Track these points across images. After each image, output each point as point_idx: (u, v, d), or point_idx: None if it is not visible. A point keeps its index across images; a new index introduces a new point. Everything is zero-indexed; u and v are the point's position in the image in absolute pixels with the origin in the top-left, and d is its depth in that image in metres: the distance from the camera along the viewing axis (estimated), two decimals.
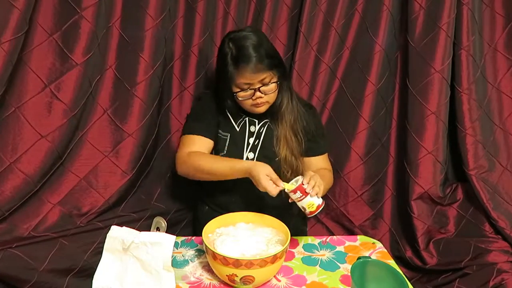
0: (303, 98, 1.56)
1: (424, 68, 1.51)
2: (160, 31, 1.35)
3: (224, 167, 1.27)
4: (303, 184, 1.16)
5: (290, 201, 1.21)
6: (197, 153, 1.33)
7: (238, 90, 1.28)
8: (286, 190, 1.19)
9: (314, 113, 1.50)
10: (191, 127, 1.39)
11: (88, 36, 1.22)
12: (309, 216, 1.21)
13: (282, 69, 1.32)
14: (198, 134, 1.36)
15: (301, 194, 1.16)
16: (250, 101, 1.30)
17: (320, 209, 1.18)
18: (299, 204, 1.19)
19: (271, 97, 1.32)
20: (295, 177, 1.23)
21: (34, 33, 1.16)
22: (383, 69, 1.58)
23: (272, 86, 1.29)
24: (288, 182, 1.20)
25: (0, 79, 1.08)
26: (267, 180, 1.16)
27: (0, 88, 1.09)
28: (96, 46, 1.25)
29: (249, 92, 1.28)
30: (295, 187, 1.16)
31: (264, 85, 1.27)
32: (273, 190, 1.16)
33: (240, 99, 1.30)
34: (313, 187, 1.17)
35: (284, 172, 1.36)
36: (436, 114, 1.51)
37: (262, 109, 1.33)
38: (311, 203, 1.17)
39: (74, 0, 1.19)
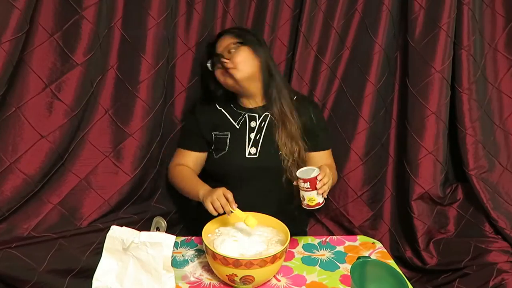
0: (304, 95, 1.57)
1: (425, 68, 1.50)
2: (162, 31, 1.35)
3: (187, 189, 1.37)
4: (317, 179, 1.16)
5: (294, 183, 1.22)
6: (179, 169, 1.43)
7: (211, 64, 1.36)
8: (297, 174, 1.20)
9: (315, 106, 1.51)
10: (181, 141, 1.50)
11: (89, 36, 1.21)
12: (304, 207, 1.22)
13: (255, 41, 1.38)
14: (186, 149, 1.46)
15: (309, 187, 1.17)
16: (221, 71, 1.35)
17: (317, 207, 1.19)
18: (302, 192, 1.19)
19: (238, 62, 1.33)
20: (298, 167, 1.24)
21: (35, 33, 1.15)
22: (382, 69, 1.58)
23: (237, 49, 1.34)
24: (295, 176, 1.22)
25: (1, 79, 1.08)
26: (220, 196, 1.18)
27: (1, 88, 1.09)
28: (97, 46, 1.25)
29: (219, 61, 1.34)
30: (308, 177, 1.16)
31: (230, 51, 1.34)
32: (222, 201, 1.17)
33: (214, 71, 1.37)
34: (323, 185, 1.17)
35: (285, 162, 1.36)
36: (436, 114, 1.51)
37: (235, 76, 1.33)
38: (313, 198, 1.18)
39: (74, 0, 1.19)
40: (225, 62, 1.32)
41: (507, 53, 1.56)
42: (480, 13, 1.52)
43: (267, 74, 1.38)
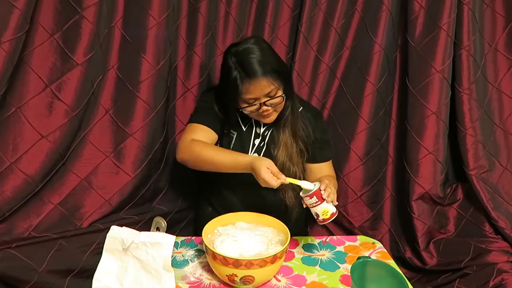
0: (308, 102, 1.56)
1: (425, 68, 1.50)
2: (163, 31, 1.35)
3: (227, 159, 1.25)
4: (320, 190, 1.15)
5: (304, 206, 1.20)
6: (201, 142, 1.30)
7: (245, 105, 1.27)
8: (301, 194, 1.18)
9: (321, 120, 1.49)
10: (198, 117, 1.37)
11: (90, 36, 1.21)
12: (320, 224, 1.20)
13: (287, 81, 1.31)
14: (204, 124, 1.34)
15: (317, 200, 1.15)
16: (257, 113, 1.30)
17: (333, 217, 1.17)
18: (313, 210, 1.18)
19: (278, 108, 1.31)
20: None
21: (35, 33, 1.15)
22: (382, 69, 1.58)
23: (279, 99, 1.27)
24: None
25: (1, 79, 1.08)
26: (267, 172, 1.14)
27: (1, 88, 1.09)
28: (97, 46, 1.25)
29: (256, 106, 1.27)
30: (311, 192, 1.15)
31: (270, 98, 1.26)
32: (273, 182, 1.14)
33: (247, 113, 1.29)
34: (329, 194, 1.16)
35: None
36: (436, 114, 1.51)
37: (270, 119, 1.32)
38: (326, 210, 1.16)
39: (75, 0, 1.19)
40: (268, 110, 1.28)
41: (507, 53, 1.56)
42: (480, 13, 1.52)
43: (285, 109, 1.35)
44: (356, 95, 1.60)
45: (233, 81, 1.23)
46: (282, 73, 1.27)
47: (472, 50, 1.49)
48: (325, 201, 1.15)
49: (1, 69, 1.07)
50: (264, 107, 1.26)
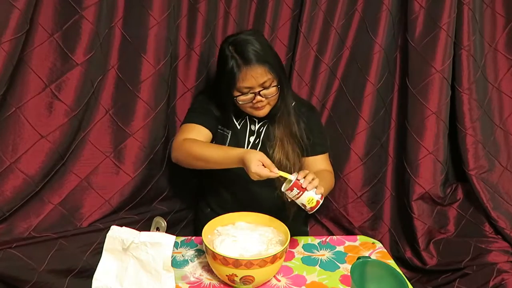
0: (301, 97, 1.56)
1: (425, 68, 1.50)
2: (163, 31, 1.35)
3: (217, 154, 1.26)
4: (299, 180, 1.14)
5: (289, 200, 1.19)
6: (192, 140, 1.32)
7: (239, 94, 1.29)
8: (282, 189, 1.17)
9: (315, 114, 1.50)
10: (190, 117, 1.40)
11: (89, 36, 1.21)
12: (310, 213, 1.18)
13: (282, 73, 1.33)
14: (196, 123, 1.36)
15: (299, 191, 1.13)
16: (250, 105, 1.31)
17: (321, 203, 1.15)
18: (298, 201, 1.16)
19: (271, 100, 1.32)
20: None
21: (35, 33, 1.15)
22: (382, 69, 1.58)
23: (273, 89, 1.29)
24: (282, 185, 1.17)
25: (1, 79, 1.08)
26: (258, 165, 1.13)
27: (1, 88, 1.09)
28: (97, 46, 1.24)
29: (250, 96, 1.28)
30: (290, 184, 1.13)
31: (264, 88, 1.28)
32: (265, 172, 1.12)
33: (240, 103, 1.31)
34: (309, 182, 1.14)
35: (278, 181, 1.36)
36: (436, 114, 1.51)
37: (262, 112, 1.33)
38: (311, 198, 1.14)
39: (74, 0, 1.19)
40: (262, 101, 1.29)
41: (507, 53, 1.56)
42: (480, 13, 1.52)
43: (280, 101, 1.36)
44: (356, 95, 1.60)
45: (230, 69, 1.25)
46: (277, 66, 1.30)
47: (472, 50, 1.49)
48: (306, 190, 1.14)
49: (1, 69, 1.06)
50: (258, 97, 1.28)
